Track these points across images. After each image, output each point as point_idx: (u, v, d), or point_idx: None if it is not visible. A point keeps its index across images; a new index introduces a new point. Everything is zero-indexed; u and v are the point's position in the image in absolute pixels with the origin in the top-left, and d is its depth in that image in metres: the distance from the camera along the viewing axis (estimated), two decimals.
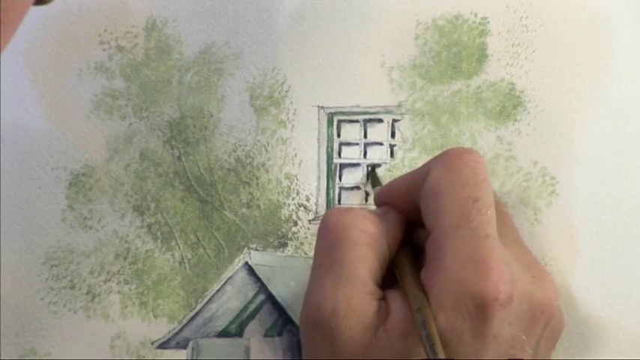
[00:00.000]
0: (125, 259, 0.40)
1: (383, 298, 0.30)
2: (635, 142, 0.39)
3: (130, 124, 0.40)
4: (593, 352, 0.38)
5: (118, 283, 0.40)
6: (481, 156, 0.31)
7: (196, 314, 0.39)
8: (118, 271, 0.40)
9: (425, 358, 0.27)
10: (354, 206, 0.39)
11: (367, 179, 0.39)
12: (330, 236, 0.31)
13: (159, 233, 0.40)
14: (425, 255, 0.30)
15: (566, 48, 0.40)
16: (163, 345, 0.39)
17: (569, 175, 0.39)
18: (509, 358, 0.28)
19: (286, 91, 0.40)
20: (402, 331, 0.29)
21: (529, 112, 0.39)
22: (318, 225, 0.33)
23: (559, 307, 0.31)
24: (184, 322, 0.39)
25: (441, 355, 0.27)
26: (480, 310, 0.28)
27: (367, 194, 0.40)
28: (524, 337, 0.29)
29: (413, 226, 0.33)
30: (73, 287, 0.39)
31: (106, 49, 0.41)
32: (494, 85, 0.40)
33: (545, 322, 0.30)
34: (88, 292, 0.39)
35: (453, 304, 0.28)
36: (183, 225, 0.40)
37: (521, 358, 0.29)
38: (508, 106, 0.40)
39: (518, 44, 0.40)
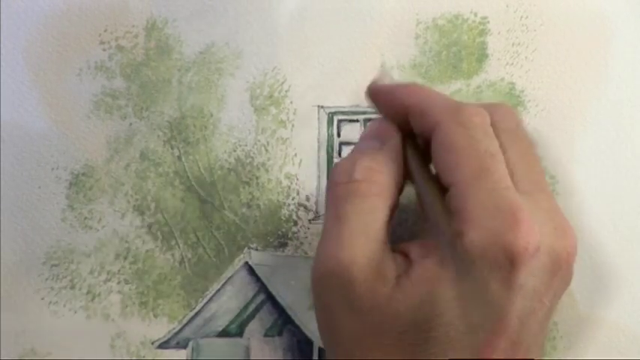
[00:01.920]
0: (125, 258, 0.40)
1: (396, 250, 0.31)
2: (635, 142, 0.39)
3: (130, 124, 0.40)
4: (593, 352, 0.38)
5: (118, 282, 0.39)
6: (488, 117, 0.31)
7: (196, 314, 0.39)
8: (118, 271, 0.40)
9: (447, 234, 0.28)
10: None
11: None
12: (341, 191, 0.31)
13: (159, 233, 0.40)
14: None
15: (566, 48, 0.40)
16: (163, 345, 0.39)
17: (569, 175, 0.39)
18: (529, 309, 0.28)
19: (286, 91, 0.40)
20: (426, 279, 0.29)
21: (529, 112, 0.39)
22: (328, 180, 0.32)
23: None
24: (184, 322, 0.39)
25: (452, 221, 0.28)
26: (509, 260, 0.28)
27: None
28: (542, 290, 0.29)
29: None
30: (73, 287, 0.39)
31: (106, 49, 0.41)
32: (494, 85, 0.40)
33: (562, 275, 0.30)
34: (88, 292, 0.39)
35: (482, 253, 0.28)
36: (183, 225, 0.40)
37: (539, 309, 0.29)
38: None
39: (519, 44, 0.40)
